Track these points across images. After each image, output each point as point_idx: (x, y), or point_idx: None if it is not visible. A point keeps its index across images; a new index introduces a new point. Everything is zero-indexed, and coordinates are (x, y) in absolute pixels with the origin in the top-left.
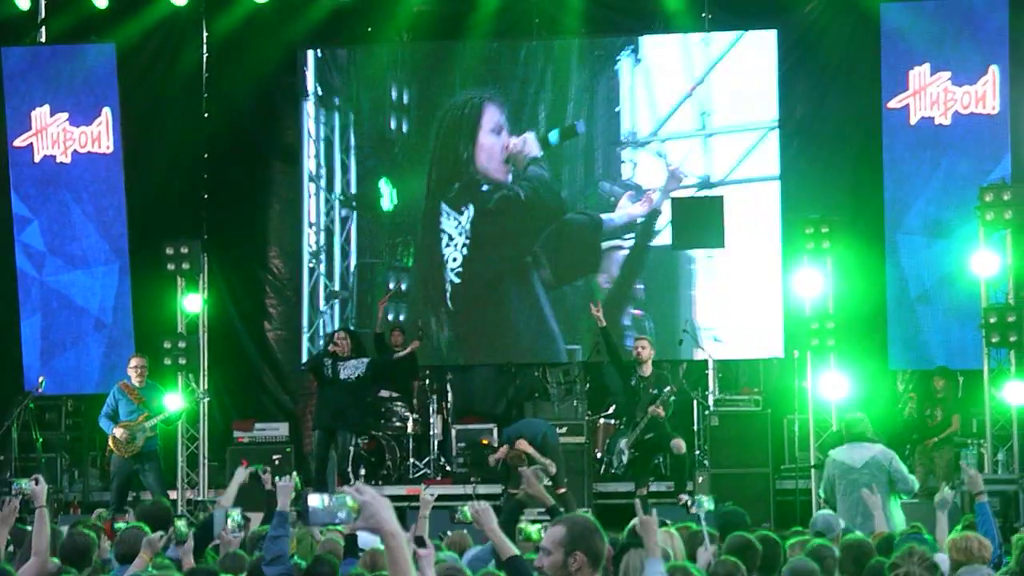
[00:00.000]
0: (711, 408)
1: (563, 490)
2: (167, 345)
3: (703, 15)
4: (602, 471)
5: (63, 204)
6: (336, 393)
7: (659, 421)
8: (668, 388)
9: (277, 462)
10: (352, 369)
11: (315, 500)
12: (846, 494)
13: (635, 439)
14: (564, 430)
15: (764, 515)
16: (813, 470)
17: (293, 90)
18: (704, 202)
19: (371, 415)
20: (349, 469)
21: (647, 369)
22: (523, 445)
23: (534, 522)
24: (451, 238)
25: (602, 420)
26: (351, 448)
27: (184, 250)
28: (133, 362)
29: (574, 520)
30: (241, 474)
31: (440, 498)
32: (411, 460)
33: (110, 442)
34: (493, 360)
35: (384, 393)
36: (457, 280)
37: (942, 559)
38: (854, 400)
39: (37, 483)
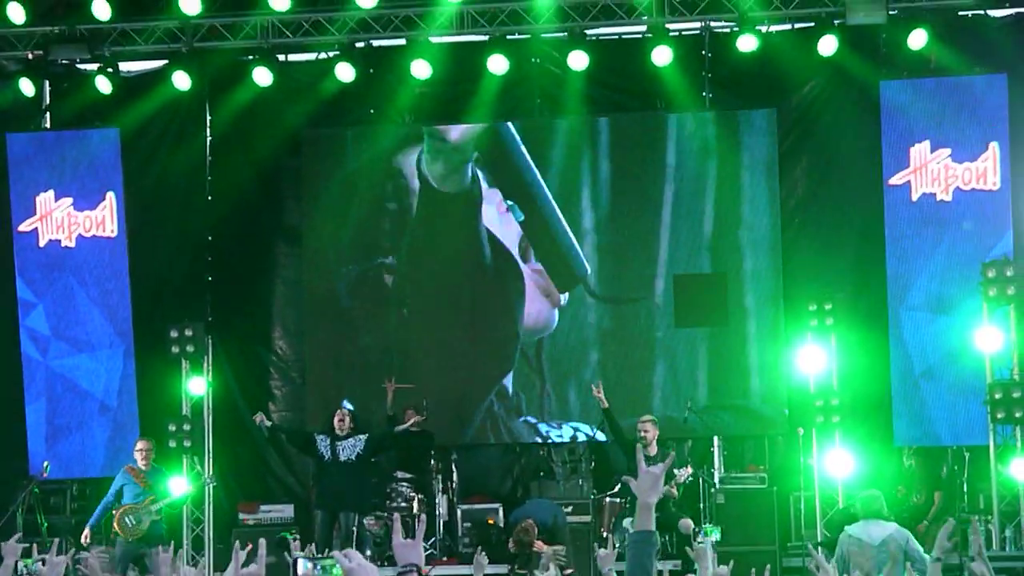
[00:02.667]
0: (717, 486)
1: (571, 571)
2: (172, 428)
3: (704, 94)
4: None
5: (68, 288)
6: (336, 475)
7: (667, 500)
8: (683, 469)
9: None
10: (351, 449)
11: (302, 567)
12: (861, 568)
13: None
14: (570, 509)
15: None
16: (820, 547)
17: (296, 172)
18: (707, 279)
19: (374, 494)
20: (353, 550)
21: (652, 449)
22: (530, 525)
23: None
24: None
25: (607, 499)
26: (354, 529)
27: (188, 333)
28: (139, 445)
29: None
30: (240, 555)
31: None
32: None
33: (115, 526)
34: (498, 439)
35: (399, 474)
36: None
37: None
38: (860, 477)
39: (44, 564)
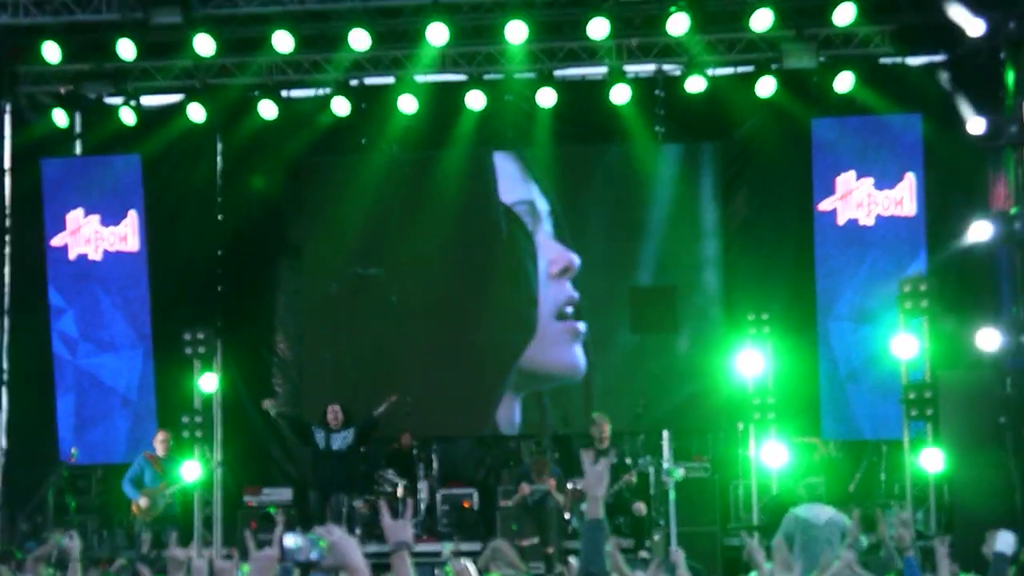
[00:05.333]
0: (672, 473)
1: (551, 550)
2: (185, 420)
3: (656, 129)
4: (570, 531)
5: (94, 296)
6: (329, 462)
7: (624, 489)
8: (645, 459)
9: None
10: (342, 440)
11: (290, 540)
12: (805, 547)
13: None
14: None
15: (713, 569)
16: (755, 530)
17: (297, 195)
18: (659, 291)
19: (362, 480)
20: (344, 526)
21: (604, 443)
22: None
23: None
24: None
25: (570, 485)
26: (344, 509)
27: (200, 336)
28: (159, 436)
29: None
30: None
31: (425, 554)
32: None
33: (133, 507)
34: (473, 432)
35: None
36: None
37: None
38: (791, 467)
39: (72, 539)
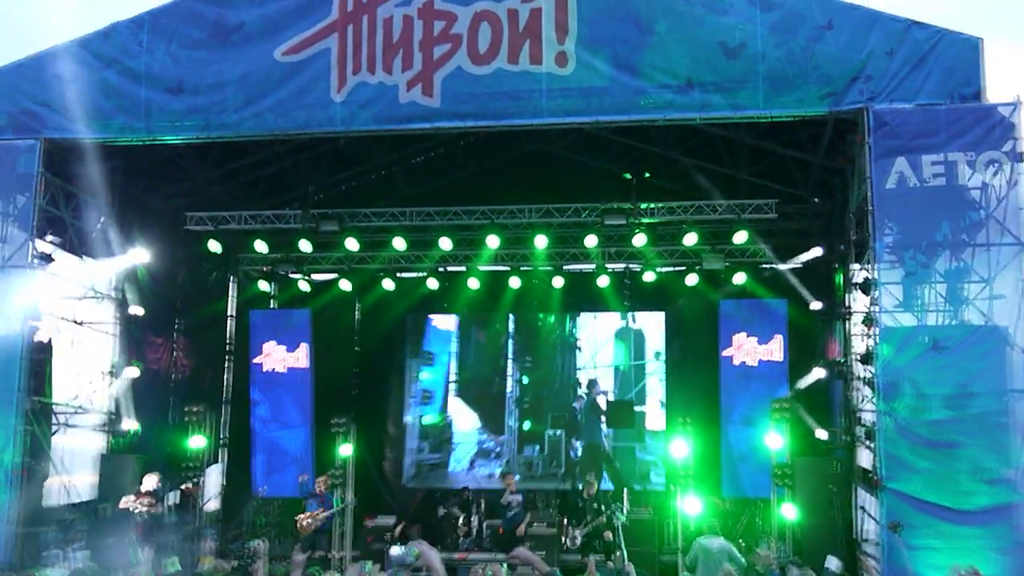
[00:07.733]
0: (625, 515)
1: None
2: (331, 472)
3: (624, 303)
4: (564, 548)
5: (278, 394)
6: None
7: (599, 526)
8: (615, 505)
9: (389, 537)
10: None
11: (395, 550)
12: (705, 564)
13: (585, 532)
14: (545, 525)
15: (652, 574)
16: (680, 552)
17: (403, 337)
18: (625, 403)
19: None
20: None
21: (590, 494)
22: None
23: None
24: None
25: (566, 520)
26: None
27: (342, 421)
28: (320, 478)
29: None
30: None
31: (476, 560)
32: (461, 539)
33: (301, 524)
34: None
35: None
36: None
37: None
38: (702, 514)
39: (262, 543)
